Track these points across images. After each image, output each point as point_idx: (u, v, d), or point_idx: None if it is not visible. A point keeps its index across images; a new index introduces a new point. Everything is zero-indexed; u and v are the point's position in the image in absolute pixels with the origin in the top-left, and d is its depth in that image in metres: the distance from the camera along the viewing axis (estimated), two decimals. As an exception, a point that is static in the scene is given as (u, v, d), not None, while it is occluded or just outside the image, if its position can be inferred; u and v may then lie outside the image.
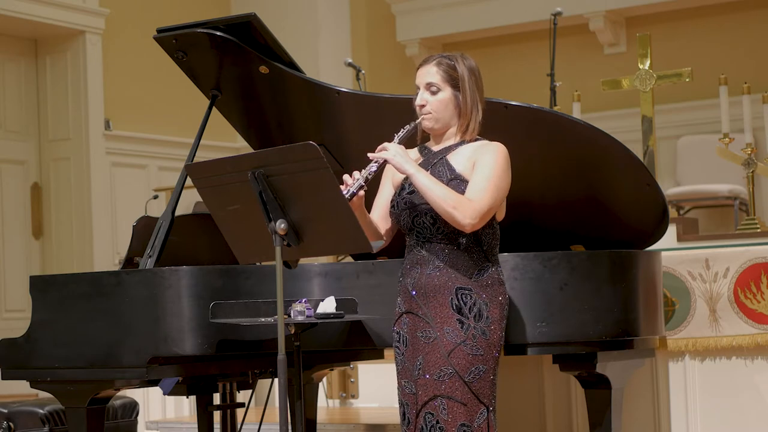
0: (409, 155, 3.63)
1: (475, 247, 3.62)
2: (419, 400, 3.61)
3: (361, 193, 3.58)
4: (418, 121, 3.69)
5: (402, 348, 3.69)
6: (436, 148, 3.74)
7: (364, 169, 3.59)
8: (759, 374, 4.79)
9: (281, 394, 3.46)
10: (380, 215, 3.78)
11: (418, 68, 3.72)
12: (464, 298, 3.59)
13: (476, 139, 3.71)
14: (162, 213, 4.41)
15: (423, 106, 3.68)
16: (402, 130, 3.68)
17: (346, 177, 3.60)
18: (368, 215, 3.74)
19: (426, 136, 3.78)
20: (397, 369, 3.72)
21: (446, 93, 3.66)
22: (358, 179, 3.57)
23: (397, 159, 3.57)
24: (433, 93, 3.66)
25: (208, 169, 3.67)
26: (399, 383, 3.71)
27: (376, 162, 3.60)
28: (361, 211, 3.65)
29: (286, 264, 3.63)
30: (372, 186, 3.67)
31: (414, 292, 3.66)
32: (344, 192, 3.53)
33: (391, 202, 3.73)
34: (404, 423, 3.68)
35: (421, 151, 3.78)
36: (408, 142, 3.70)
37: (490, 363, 3.59)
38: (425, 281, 3.63)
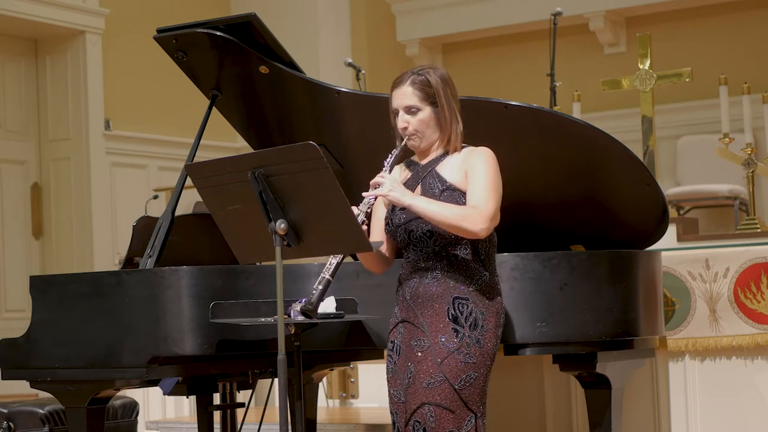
0: (403, 187, 3.62)
1: (472, 257, 3.63)
2: (408, 408, 3.60)
3: (365, 227, 3.58)
4: (403, 143, 3.69)
5: (395, 357, 3.69)
6: (423, 161, 3.74)
7: (362, 203, 3.60)
8: (759, 374, 4.79)
9: (281, 394, 3.46)
10: (379, 236, 3.78)
11: (392, 90, 3.70)
12: (461, 308, 3.59)
13: (462, 147, 3.71)
14: (162, 213, 4.41)
15: (405, 128, 3.68)
16: (390, 155, 3.69)
17: None
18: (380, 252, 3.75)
19: (409, 151, 3.76)
20: (387, 377, 3.72)
21: (425, 111, 3.66)
22: (358, 215, 3.57)
23: (393, 194, 3.56)
24: (413, 114, 3.66)
25: (208, 169, 3.67)
26: (389, 391, 3.71)
27: (370, 196, 3.61)
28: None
29: (306, 314, 3.65)
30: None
31: (411, 301, 3.65)
32: None
33: (385, 220, 3.73)
34: (394, 431, 3.69)
35: (408, 166, 3.78)
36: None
37: (481, 370, 3.59)
38: (423, 291, 3.63)
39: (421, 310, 3.63)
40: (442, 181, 3.64)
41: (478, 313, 3.59)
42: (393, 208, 3.70)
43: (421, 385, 3.57)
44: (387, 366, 3.72)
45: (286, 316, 3.67)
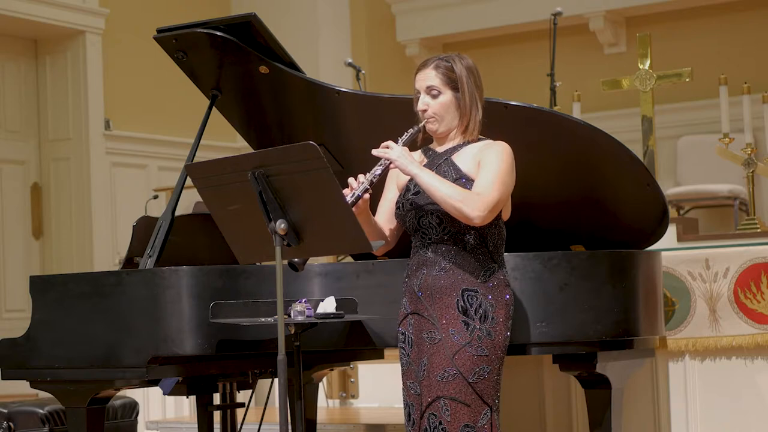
0: (413, 156, 3.63)
1: (481, 248, 3.62)
2: (423, 401, 3.60)
3: (366, 195, 3.59)
4: (422, 124, 3.69)
5: (407, 349, 3.69)
6: (440, 149, 3.75)
7: (369, 172, 3.60)
8: (759, 374, 4.79)
9: (281, 394, 3.46)
10: (385, 218, 3.79)
11: (416, 73, 3.72)
12: (470, 300, 3.59)
13: (480, 139, 3.72)
14: (162, 213, 4.41)
15: (425, 110, 3.68)
16: (406, 133, 3.68)
17: (351, 180, 3.60)
18: (373, 218, 3.75)
19: (428, 138, 3.78)
20: (402, 370, 3.71)
21: (447, 95, 3.67)
22: (363, 182, 3.58)
23: (401, 160, 3.57)
24: (434, 97, 3.67)
25: (208, 169, 3.67)
26: (404, 384, 3.70)
27: (380, 165, 3.60)
28: (366, 214, 3.66)
29: (292, 266, 3.63)
30: (376, 189, 3.67)
31: (420, 293, 3.65)
32: (350, 195, 3.55)
33: (396, 203, 3.73)
34: (409, 424, 3.67)
35: (425, 153, 3.79)
36: (410, 146, 3.71)
37: (494, 363, 3.59)
38: (431, 282, 3.63)
39: (430, 302, 3.63)
40: (457, 169, 3.64)
41: (487, 305, 3.59)
42: (405, 192, 3.70)
43: (435, 379, 3.56)
44: (401, 358, 3.71)
45: (286, 316, 3.67)
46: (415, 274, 3.68)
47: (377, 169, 3.60)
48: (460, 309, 3.59)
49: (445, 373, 3.56)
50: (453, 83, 3.66)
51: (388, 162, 3.59)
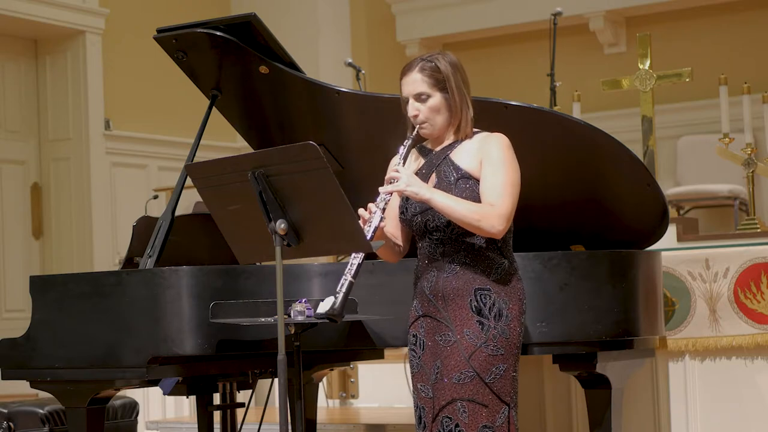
0: (418, 179, 3.59)
1: (490, 245, 3.60)
2: (436, 403, 3.58)
3: (383, 224, 3.56)
4: (413, 133, 3.66)
5: (419, 351, 3.66)
6: (436, 148, 3.72)
7: (378, 199, 3.56)
8: (759, 374, 4.79)
9: (281, 394, 3.46)
10: (393, 224, 3.74)
11: (401, 78, 3.66)
12: (483, 299, 3.57)
13: (475, 132, 3.69)
14: (162, 213, 4.41)
15: (416, 116, 3.65)
16: (402, 147, 3.64)
17: (362, 212, 3.55)
18: (388, 237, 3.71)
19: (421, 139, 3.75)
20: (412, 372, 3.69)
21: (436, 98, 3.63)
22: (375, 212, 3.54)
23: (411, 189, 3.53)
24: (424, 101, 3.63)
25: (208, 169, 3.67)
26: (414, 386, 3.68)
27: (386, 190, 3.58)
28: (381, 236, 3.64)
29: (331, 319, 3.57)
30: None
31: (431, 296, 3.63)
32: (367, 229, 3.51)
33: (400, 208, 3.70)
34: (420, 427, 3.64)
35: (421, 153, 3.76)
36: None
37: (510, 361, 3.57)
38: (443, 284, 3.60)
39: (442, 304, 3.60)
40: (457, 168, 3.62)
41: (501, 303, 3.57)
42: (407, 198, 3.66)
43: (451, 381, 3.54)
44: (411, 360, 3.69)
45: (286, 316, 3.67)
46: (425, 276, 3.65)
47: (386, 196, 3.58)
48: (474, 309, 3.57)
49: (462, 374, 3.53)
50: (441, 83, 3.62)
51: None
